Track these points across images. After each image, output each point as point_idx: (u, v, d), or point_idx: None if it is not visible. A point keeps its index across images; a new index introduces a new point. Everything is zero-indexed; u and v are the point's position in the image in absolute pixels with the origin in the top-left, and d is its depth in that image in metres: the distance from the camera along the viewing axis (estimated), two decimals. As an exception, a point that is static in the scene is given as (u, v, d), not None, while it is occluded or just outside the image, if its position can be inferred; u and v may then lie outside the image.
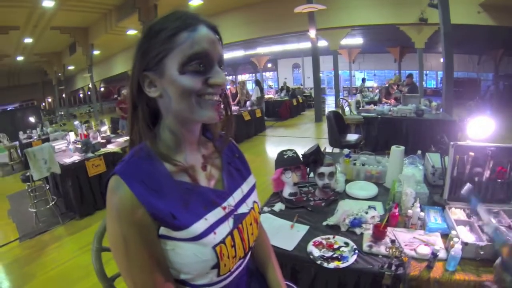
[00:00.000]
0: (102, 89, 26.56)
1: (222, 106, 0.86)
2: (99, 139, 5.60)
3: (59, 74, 23.32)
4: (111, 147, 5.28)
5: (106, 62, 22.26)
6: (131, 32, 14.43)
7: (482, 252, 1.44)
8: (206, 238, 0.80)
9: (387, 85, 9.50)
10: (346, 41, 15.99)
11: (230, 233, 0.87)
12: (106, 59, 21.79)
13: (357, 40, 18.40)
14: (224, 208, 0.90)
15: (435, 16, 9.62)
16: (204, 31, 0.79)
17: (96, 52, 18.03)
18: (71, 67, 23.48)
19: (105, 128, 6.62)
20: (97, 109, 21.68)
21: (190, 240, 0.78)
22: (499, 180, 1.80)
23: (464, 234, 1.60)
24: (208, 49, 0.78)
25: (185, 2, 11.07)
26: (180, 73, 0.77)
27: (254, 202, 1.03)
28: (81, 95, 34.81)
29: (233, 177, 1.01)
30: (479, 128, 1.96)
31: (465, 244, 1.45)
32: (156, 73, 0.79)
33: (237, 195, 0.97)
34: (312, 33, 11.19)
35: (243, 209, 0.96)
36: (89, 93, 25.86)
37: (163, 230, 0.77)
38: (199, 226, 0.80)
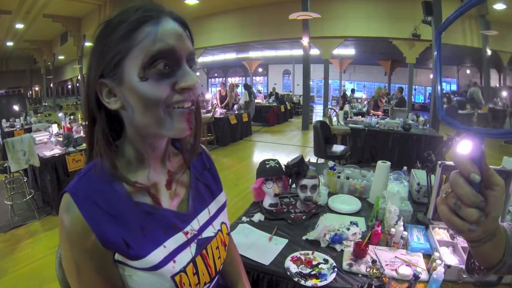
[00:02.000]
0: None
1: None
2: (82, 133, 5.43)
3: (49, 63, 23.02)
4: (94, 143, 5.14)
5: None
6: (125, 26, 14.35)
7: (464, 276, 1.41)
8: (164, 268, 0.72)
9: (376, 96, 9.55)
10: (338, 51, 16.16)
11: (192, 260, 0.79)
12: None
13: (349, 51, 18.60)
14: (186, 233, 0.81)
15: (428, 32, 9.85)
16: (170, 24, 0.67)
17: (87, 44, 17.81)
18: (61, 57, 23.18)
19: None
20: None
21: (146, 269, 0.71)
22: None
23: (447, 256, 1.57)
24: (174, 45, 0.66)
25: (181, 0, 11.00)
26: (141, 78, 0.65)
27: (222, 223, 0.94)
28: (69, 86, 34.28)
29: (200, 196, 0.90)
30: (467, 148, 1.92)
31: (447, 266, 1.42)
32: (114, 80, 0.67)
33: (203, 217, 0.88)
34: (305, 40, 11.22)
35: (208, 232, 0.87)
36: (77, 84, 25.56)
37: (118, 256, 0.69)
38: (157, 255, 0.72)
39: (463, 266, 1.36)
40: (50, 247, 3.62)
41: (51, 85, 26.58)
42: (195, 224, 0.84)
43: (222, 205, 0.98)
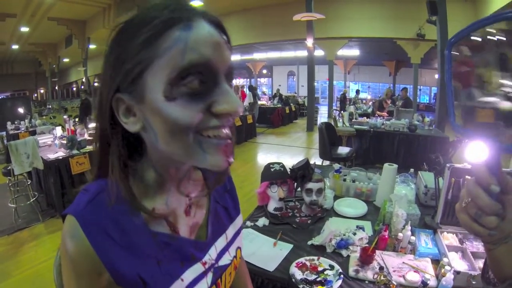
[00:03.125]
0: (96, 84, 26.30)
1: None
2: (86, 136, 5.45)
3: (53, 66, 23.26)
4: (98, 145, 5.15)
5: (101, 57, 21.30)
6: (129, 28, 14.48)
7: (474, 282, 1.37)
8: None
9: (381, 98, 9.54)
10: (343, 52, 16.17)
11: None
12: (102, 54, 21.19)
13: (354, 52, 18.61)
14: (204, 264, 0.73)
15: (432, 32, 9.79)
16: (204, 29, 0.53)
17: (92, 46, 17.96)
18: (66, 60, 23.44)
19: (94, 125, 6.47)
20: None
21: None
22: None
23: (456, 262, 1.52)
24: (210, 56, 0.53)
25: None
26: (167, 98, 0.52)
27: (238, 248, 0.87)
28: (74, 89, 34.35)
29: (219, 220, 0.81)
30: (478, 151, 1.89)
31: (457, 273, 1.38)
32: (133, 96, 0.55)
33: (220, 243, 0.79)
34: (310, 41, 11.21)
35: (224, 260, 0.80)
36: (82, 87, 25.64)
37: None
38: None
39: (473, 272, 1.35)
40: (53, 250, 3.60)
41: (56, 87, 26.76)
42: (212, 252, 0.76)
43: (239, 229, 0.89)
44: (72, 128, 5.69)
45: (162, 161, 0.63)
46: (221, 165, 0.57)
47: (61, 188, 4.43)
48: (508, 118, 0.55)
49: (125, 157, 0.60)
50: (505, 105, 0.56)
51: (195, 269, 0.70)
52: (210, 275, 0.74)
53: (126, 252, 0.59)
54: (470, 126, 0.59)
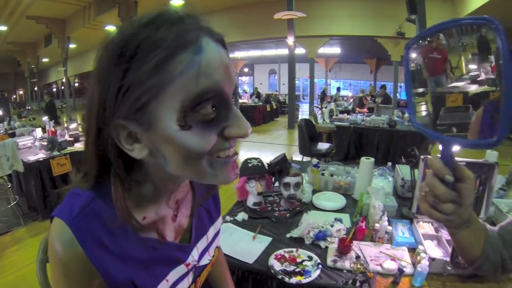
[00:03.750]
0: (76, 84, 25.85)
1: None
2: (66, 137, 5.35)
3: (32, 66, 22.77)
4: (78, 146, 5.08)
5: (81, 57, 21.59)
6: (110, 27, 14.20)
7: (449, 268, 1.42)
8: None
9: (361, 95, 9.68)
10: (324, 50, 16.29)
11: None
12: (82, 53, 21.16)
13: (335, 50, 18.78)
14: (188, 265, 0.76)
15: (412, 30, 9.99)
16: (213, 50, 0.51)
17: (72, 46, 17.68)
18: (45, 60, 22.92)
19: (75, 126, 6.36)
20: (69, 105, 21.13)
21: None
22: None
23: (432, 249, 1.57)
24: (223, 82, 0.51)
25: (166, 1, 10.93)
26: (182, 127, 0.50)
27: (216, 247, 0.91)
28: (54, 89, 33.46)
29: (201, 222, 0.83)
30: (455, 149, 1.95)
31: (432, 259, 1.42)
32: (140, 124, 0.52)
33: (201, 244, 0.82)
34: (290, 40, 11.27)
35: (204, 260, 0.83)
36: (62, 87, 25.15)
37: None
38: None
39: (448, 259, 1.39)
40: (36, 254, 3.52)
41: (36, 88, 26.21)
42: (194, 254, 0.79)
43: (219, 230, 0.92)
44: (53, 129, 5.58)
45: (165, 178, 0.63)
46: (230, 180, 0.59)
47: (42, 190, 4.33)
48: (475, 101, 0.63)
49: (125, 175, 0.58)
50: (473, 88, 0.63)
51: (179, 270, 0.74)
52: (191, 274, 0.78)
53: (118, 259, 0.60)
54: (430, 125, 0.67)
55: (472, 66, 0.65)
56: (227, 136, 0.54)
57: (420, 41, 0.67)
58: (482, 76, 0.63)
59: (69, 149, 4.82)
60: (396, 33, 11.78)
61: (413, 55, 0.68)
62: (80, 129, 5.76)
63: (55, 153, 4.57)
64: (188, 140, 0.51)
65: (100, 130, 0.54)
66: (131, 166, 0.60)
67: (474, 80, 0.64)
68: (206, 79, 0.49)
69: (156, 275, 0.68)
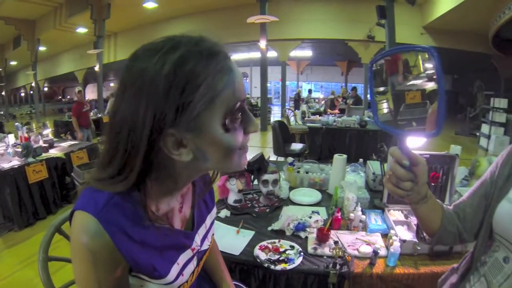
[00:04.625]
0: (45, 89, 25.08)
1: None
2: (41, 143, 5.19)
3: (0, 69, 21.76)
4: (54, 152, 4.97)
5: (51, 60, 20.93)
6: (81, 30, 13.92)
7: (419, 248, 1.59)
8: (176, 282, 0.80)
9: (332, 97, 9.90)
10: (295, 53, 16.42)
11: (193, 272, 0.89)
12: (52, 57, 20.53)
13: (306, 53, 18.92)
14: (193, 250, 0.88)
15: (382, 34, 10.30)
16: (238, 71, 0.67)
17: (42, 48, 17.13)
18: (13, 63, 21.84)
19: (48, 132, 6.23)
20: (39, 110, 20.48)
21: (162, 284, 0.78)
22: (433, 184, 1.95)
23: (402, 233, 1.73)
24: (244, 95, 0.67)
25: (139, 3, 10.88)
26: (226, 130, 0.64)
27: (212, 234, 1.03)
28: (23, 94, 32.30)
29: (200, 211, 0.95)
30: (409, 140, 2.11)
31: (403, 241, 1.58)
32: (191, 131, 0.62)
33: (202, 231, 0.94)
34: (263, 43, 11.37)
35: (205, 245, 0.95)
36: (31, 92, 24.22)
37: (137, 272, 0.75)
38: (173, 273, 0.79)
39: (417, 240, 1.54)
40: (14, 265, 3.41)
41: (3, 93, 25.18)
42: (197, 239, 0.90)
43: (214, 218, 1.05)
44: (26, 135, 5.42)
45: (189, 176, 0.75)
46: (244, 165, 0.74)
47: (18, 199, 4.18)
48: (431, 96, 0.76)
49: (161, 177, 0.70)
50: (429, 85, 0.77)
51: (187, 254, 0.85)
52: (195, 258, 0.90)
53: (140, 246, 0.70)
54: (391, 121, 0.84)
55: (429, 65, 0.76)
56: (247, 132, 0.71)
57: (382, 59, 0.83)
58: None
59: (45, 155, 4.72)
60: (367, 37, 12.12)
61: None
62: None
63: (30, 159, 4.42)
64: (230, 140, 0.65)
65: (151, 142, 0.61)
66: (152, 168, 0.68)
67: (431, 78, 0.76)
68: (240, 93, 0.65)
69: (169, 259, 0.79)
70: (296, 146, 5.70)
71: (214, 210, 1.05)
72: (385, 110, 0.86)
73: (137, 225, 0.69)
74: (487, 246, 0.99)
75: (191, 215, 0.91)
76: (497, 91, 10.01)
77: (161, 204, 0.77)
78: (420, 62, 0.79)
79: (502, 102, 9.08)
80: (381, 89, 0.86)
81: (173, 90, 0.58)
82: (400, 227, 1.79)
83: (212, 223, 1.02)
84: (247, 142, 0.72)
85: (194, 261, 0.89)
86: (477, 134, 10.04)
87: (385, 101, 0.86)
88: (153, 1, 11.32)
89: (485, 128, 9.56)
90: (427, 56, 0.75)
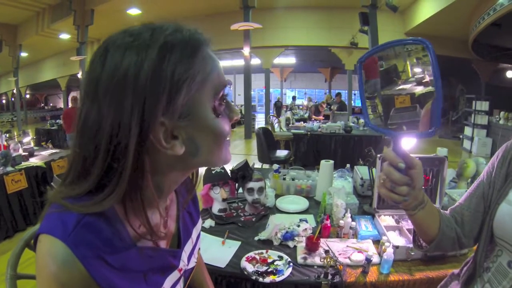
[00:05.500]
0: (27, 96, 24.57)
1: None
2: (20, 151, 5.07)
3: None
4: (34, 161, 4.84)
5: (34, 67, 20.60)
6: (64, 36, 13.74)
7: (412, 253, 1.56)
8: None
9: (311, 104, 9.99)
10: (279, 60, 16.54)
11: None
12: (34, 63, 20.20)
13: (290, 60, 19.10)
14: (180, 270, 0.77)
15: (365, 41, 10.48)
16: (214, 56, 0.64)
17: (24, 54, 16.77)
18: (-6, 69, 21.48)
19: (28, 140, 6.05)
20: (21, 118, 19.98)
21: None
22: (423, 187, 1.90)
23: (395, 239, 1.68)
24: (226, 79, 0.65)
25: (122, 9, 10.79)
26: (217, 115, 0.60)
27: (199, 249, 0.93)
28: (4, 101, 31.25)
29: (185, 225, 0.83)
30: (404, 142, 2.09)
31: (396, 247, 1.53)
32: (184, 118, 0.56)
33: (188, 247, 0.82)
34: (246, 50, 11.38)
35: (192, 263, 0.85)
36: (13, 99, 23.69)
37: None
38: None
39: (410, 245, 1.49)
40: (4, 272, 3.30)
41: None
42: (184, 257, 0.79)
43: (200, 231, 0.93)
44: (5, 143, 5.29)
45: (178, 176, 0.67)
46: (229, 157, 0.68)
47: None
48: (421, 100, 0.73)
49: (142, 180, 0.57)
50: (418, 89, 0.74)
51: (173, 277, 0.74)
52: (182, 280, 0.80)
53: (119, 273, 0.58)
54: (382, 125, 0.82)
55: (417, 70, 0.75)
56: (231, 119, 0.65)
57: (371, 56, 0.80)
58: (427, 78, 0.72)
59: (24, 164, 4.58)
60: (350, 43, 12.35)
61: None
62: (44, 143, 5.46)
63: (9, 168, 4.29)
64: (220, 126, 0.61)
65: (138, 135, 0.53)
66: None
67: (419, 82, 0.74)
68: (223, 77, 0.62)
69: (154, 284, 0.67)
70: (281, 153, 5.66)
71: (200, 222, 0.93)
72: (376, 114, 0.84)
73: (115, 248, 0.57)
74: (489, 250, 0.96)
75: (176, 229, 0.79)
76: (478, 94, 10.29)
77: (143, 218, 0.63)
78: (409, 67, 0.77)
79: (484, 105, 9.43)
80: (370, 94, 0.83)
81: (163, 77, 0.52)
82: (392, 233, 1.74)
83: (198, 237, 0.90)
84: (230, 132, 0.66)
85: (181, 283, 0.79)
86: (460, 136, 10.39)
87: (375, 105, 0.84)
88: (136, 8, 11.30)
89: (468, 131, 9.90)
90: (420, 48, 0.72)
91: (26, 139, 5.74)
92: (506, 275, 0.88)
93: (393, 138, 0.74)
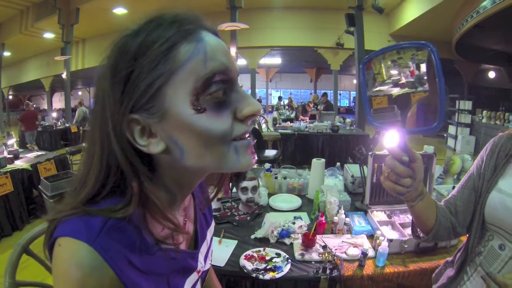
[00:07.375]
0: (10, 97, 23.99)
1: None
2: (5, 153, 4.95)
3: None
4: (19, 163, 4.76)
5: (16, 67, 19.93)
6: (48, 35, 13.45)
7: (406, 246, 1.64)
8: None
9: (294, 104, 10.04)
10: (265, 61, 16.52)
11: None
12: (17, 63, 19.56)
13: (276, 60, 19.10)
14: (199, 272, 0.75)
15: (350, 41, 10.60)
16: (215, 39, 0.54)
17: (6, 54, 16.21)
18: (-25, 69, 20.89)
19: (13, 142, 5.90)
20: (3, 120, 19.49)
21: None
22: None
23: (388, 233, 1.76)
24: (227, 63, 0.53)
25: (108, 8, 10.68)
26: (197, 110, 0.51)
27: (212, 250, 0.90)
28: None
29: (202, 227, 0.82)
30: (393, 139, 2.14)
31: (390, 240, 1.60)
32: (152, 114, 0.51)
33: (204, 249, 0.81)
34: (233, 51, 11.35)
35: (208, 264, 0.84)
36: None
37: None
38: None
39: (404, 238, 1.59)
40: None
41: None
42: (201, 259, 0.78)
43: (213, 232, 0.91)
44: (-10, 146, 5.18)
45: (181, 180, 0.61)
46: (251, 163, 0.58)
47: None
48: (399, 101, 0.79)
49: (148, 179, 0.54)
50: (395, 90, 0.79)
51: (192, 278, 0.72)
52: (200, 281, 0.78)
53: (146, 276, 0.56)
54: (381, 119, 0.83)
55: (394, 72, 0.79)
56: (242, 116, 0.54)
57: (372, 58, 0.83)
58: (403, 80, 0.77)
59: (9, 167, 4.50)
60: (336, 44, 12.45)
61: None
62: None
63: None
64: (206, 123, 0.51)
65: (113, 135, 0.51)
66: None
67: (396, 84, 0.79)
68: (213, 61, 0.51)
69: (175, 286, 0.65)
70: (270, 153, 5.69)
71: (213, 223, 0.92)
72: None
73: (140, 250, 0.56)
74: (480, 236, 1.05)
75: (194, 231, 0.78)
76: (461, 94, 10.54)
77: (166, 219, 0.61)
78: (384, 69, 0.80)
79: (467, 104, 9.72)
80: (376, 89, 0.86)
81: (120, 63, 0.50)
82: (385, 227, 1.82)
83: (212, 238, 0.89)
84: (246, 131, 0.56)
85: (199, 285, 0.77)
86: (445, 135, 10.62)
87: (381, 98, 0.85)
88: (122, 8, 11.18)
89: (451, 129, 10.25)
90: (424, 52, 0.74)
91: (10, 141, 5.61)
92: (497, 257, 0.98)
93: (399, 132, 0.78)
